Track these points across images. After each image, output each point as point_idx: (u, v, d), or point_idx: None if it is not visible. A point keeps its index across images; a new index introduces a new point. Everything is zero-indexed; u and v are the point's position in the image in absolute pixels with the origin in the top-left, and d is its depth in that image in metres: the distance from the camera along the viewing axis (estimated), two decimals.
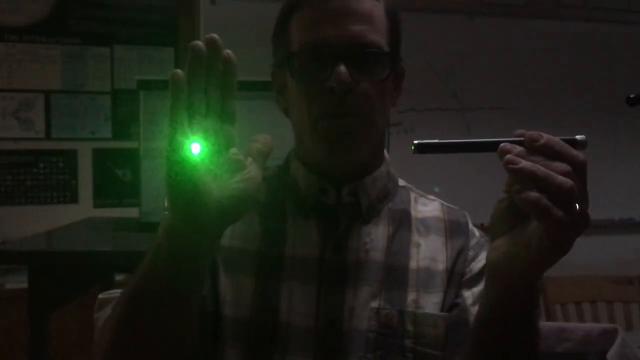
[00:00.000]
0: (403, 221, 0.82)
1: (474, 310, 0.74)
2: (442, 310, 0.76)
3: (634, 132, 3.01)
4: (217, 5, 2.74)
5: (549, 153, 0.50)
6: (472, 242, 0.82)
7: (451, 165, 2.98)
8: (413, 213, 0.83)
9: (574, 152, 0.51)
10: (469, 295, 0.77)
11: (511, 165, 0.50)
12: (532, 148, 0.51)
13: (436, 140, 0.53)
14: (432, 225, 0.82)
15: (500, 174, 0.53)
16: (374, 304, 0.75)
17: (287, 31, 0.78)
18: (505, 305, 0.58)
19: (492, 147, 0.52)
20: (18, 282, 2.19)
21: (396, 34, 0.79)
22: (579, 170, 0.50)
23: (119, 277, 2.10)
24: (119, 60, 2.70)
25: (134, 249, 1.37)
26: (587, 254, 2.70)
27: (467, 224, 0.84)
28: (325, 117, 0.74)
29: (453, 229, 0.82)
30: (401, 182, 0.88)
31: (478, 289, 0.77)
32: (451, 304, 0.77)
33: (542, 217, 0.49)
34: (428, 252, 0.80)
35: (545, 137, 0.51)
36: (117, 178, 2.71)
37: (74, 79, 2.65)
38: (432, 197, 0.88)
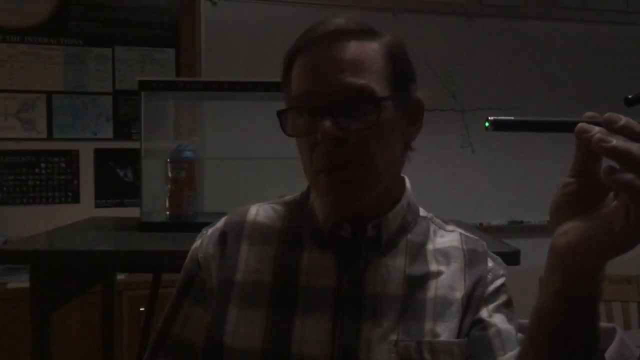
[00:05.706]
0: (420, 253, 0.82)
1: (492, 320, 0.77)
2: (457, 335, 0.77)
3: None
4: (217, 6, 2.75)
5: (628, 134, 0.48)
6: (490, 265, 0.83)
7: (452, 166, 2.99)
8: (431, 246, 0.83)
9: None
10: (485, 310, 0.78)
11: (603, 144, 0.47)
12: (612, 129, 0.48)
13: (512, 118, 0.52)
14: (451, 255, 0.83)
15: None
16: (393, 336, 0.75)
17: (290, 77, 0.78)
18: (573, 292, 0.56)
19: (568, 127, 0.51)
20: (20, 281, 2.21)
21: (401, 72, 0.78)
22: None
23: (120, 277, 2.11)
24: (120, 61, 2.71)
25: (135, 248, 1.38)
26: None
27: (485, 252, 0.85)
28: (322, 171, 0.74)
29: (472, 258, 0.83)
30: (422, 212, 0.88)
31: (494, 304, 0.79)
32: (470, 325, 0.78)
33: (637, 198, 0.46)
34: (446, 280, 0.80)
35: (624, 118, 0.49)
36: (118, 178, 2.73)
37: (76, 79, 2.66)
38: (451, 227, 0.88)
